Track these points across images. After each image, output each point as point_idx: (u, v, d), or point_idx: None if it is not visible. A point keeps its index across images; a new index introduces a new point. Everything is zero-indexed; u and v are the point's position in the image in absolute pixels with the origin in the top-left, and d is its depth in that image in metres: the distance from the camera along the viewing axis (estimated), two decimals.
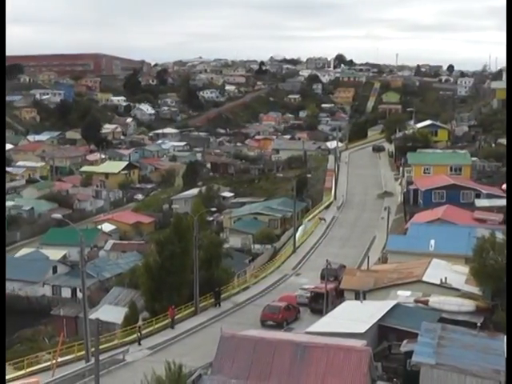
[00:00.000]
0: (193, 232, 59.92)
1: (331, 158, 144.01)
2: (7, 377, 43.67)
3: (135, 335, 52.45)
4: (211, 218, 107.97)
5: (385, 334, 43.39)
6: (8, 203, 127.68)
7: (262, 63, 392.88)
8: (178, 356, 37.07)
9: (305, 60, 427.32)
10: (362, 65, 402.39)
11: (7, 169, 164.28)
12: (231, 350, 36.11)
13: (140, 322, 55.33)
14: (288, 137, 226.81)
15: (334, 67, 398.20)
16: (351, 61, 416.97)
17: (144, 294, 62.48)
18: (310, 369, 34.00)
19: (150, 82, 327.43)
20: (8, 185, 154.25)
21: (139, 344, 51.49)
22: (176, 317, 56.76)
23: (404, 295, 50.85)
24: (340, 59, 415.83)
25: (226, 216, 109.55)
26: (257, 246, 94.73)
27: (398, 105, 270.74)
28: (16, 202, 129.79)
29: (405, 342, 40.07)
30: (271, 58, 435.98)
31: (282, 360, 34.89)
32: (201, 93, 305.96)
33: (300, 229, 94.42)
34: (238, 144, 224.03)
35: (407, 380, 37.15)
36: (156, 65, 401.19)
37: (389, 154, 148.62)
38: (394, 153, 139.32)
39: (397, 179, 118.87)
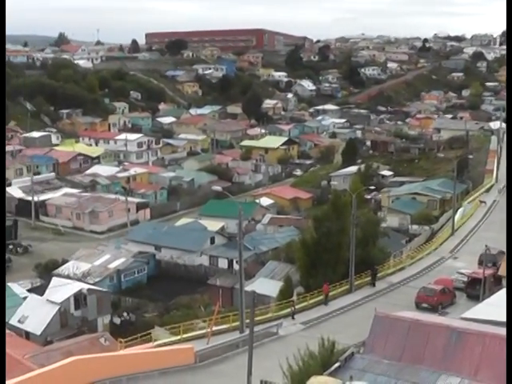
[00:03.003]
0: (350, 209, 59.53)
1: (494, 138, 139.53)
2: (164, 341, 45.05)
3: (289, 309, 52.84)
4: (369, 196, 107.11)
5: None
6: (169, 174, 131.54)
7: (425, 40, 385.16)
8: (330, 333, 37.00)
9: (469, 37, 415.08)
10: None
11: (169, 141, 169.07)
12: (384, 330, 35.65)
13: (294, 297, 55.64)
14: (450, 116, 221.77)
15: (500, 44, 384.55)
16: None
17: (299, 269, 62.76)
18: (463, 356, 33.10)
19: (312, 58, 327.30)
20: (170, 156, 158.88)
21: (293, 318, 51.84)
22: (330, 294, 56.79)
23: None
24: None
25: (384, 195, 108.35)
26: (414, 227, 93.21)
27: None
28: (177, 173, 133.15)
29: None
30: (435, 35, 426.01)
31: (436, 344, 34.11)
32: (362, 70, 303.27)
33: (459, 211, 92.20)
34: (399, 122, 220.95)
35: None
36: (318, 41, 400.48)
37: None
38: None
39: None
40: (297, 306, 53.42)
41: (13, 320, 60.72)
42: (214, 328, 46.26)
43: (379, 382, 31.51)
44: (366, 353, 35.18)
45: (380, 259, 66.93)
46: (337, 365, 32.93)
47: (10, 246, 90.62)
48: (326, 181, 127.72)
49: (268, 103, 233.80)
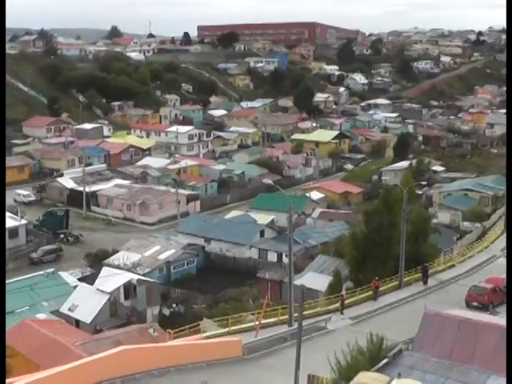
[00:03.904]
0: (401, 205, 59.07)
1: None
2: (212, 333, 45.20)
3: (338, 304, 52.66)
4: (420, 192, 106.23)
5: None
6: (220, 166, 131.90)
7: (479, 33, 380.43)
8: (379, 328, 36.82)
9: None
10: None
11: (220, 134, 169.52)
12: (434, 327, 35.37)
13: (343, 292, 55.37)
14: (503, 111, 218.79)
15: None
16: None
17: (348, 264, 62.45)
18: None
19: (364, 51, 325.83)
20: (220, 149, 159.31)
21: (341, 313, 51.66)
22: (379, 289, 56.43)
23: None
24: None
25: (435, 190, 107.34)
26: (465, 224, 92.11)
27: None
28: (228, 165, 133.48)
29: None
30: (489, 27, 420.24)
31: (486, 343, 33.72)
32: (415, 64, 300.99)
33: None
34: (451, 117, 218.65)
35: None
36: (371, 34, 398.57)
37: None
38: None
39: None
40: (346, 301, 53.19)
41: (63, 308, 61.55)
42: (263, 321, 46.28)
43: (427, 380, 31.23)
44: (414, 350, 34.97)
45: (430, 255, 66.28)
46: (385, 361, 32.76)
47: (61, 236, 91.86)
48: (377, 175, 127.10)
49: (319, 97, 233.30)
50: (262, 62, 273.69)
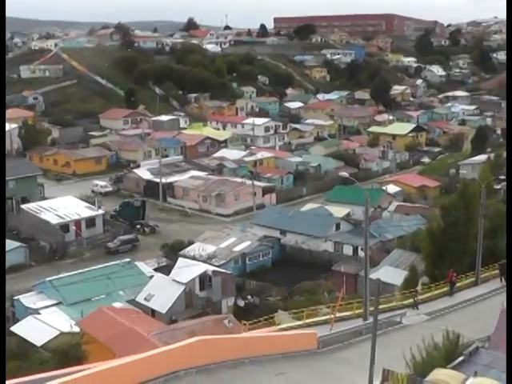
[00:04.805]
0: (479, 199, 58.08)
1: None
2: (287, 325, 45.21)
3: (413, 299, 52.11)
4: (499, 187, 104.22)
5: None
6: (296, 159, 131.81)
7: None
8: (455, 325, 36.25)
9: None
10: None
11: (297, 126, 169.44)
12: None
13: (419, 287, 54.77)
14: None
15: None
16: None
17: (425, 259, 61.73)
18: None
19: (442, 42, 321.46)
20: (297, 141, 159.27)
21: (417, 308, 51.11)
22: (456, 285, 55.60)
23: None
24: None
25: None
26: None
27: None
28: (304, 158, 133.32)
29: None
30: None
31: None
32: (494, 54, 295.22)
33: None
34: None
35: None
36: (449, 25, 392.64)
37: None
38: None
39: None
40: (421, 296, 52.61)
41: (139, 297, 62.45)
42: (338, 314, 46.10)
43: (504, 380, 30.61)
44: (491, 348, 34.32)
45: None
46: (461, 358, 32.22)
47: (138, 226, 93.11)
48: (455, 169, 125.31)
49: (396, 89, 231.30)
50: (338, 54, 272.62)
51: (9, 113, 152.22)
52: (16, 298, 62.93)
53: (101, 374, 29.46)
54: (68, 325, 54.40)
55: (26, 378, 33.04)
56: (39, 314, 58.90)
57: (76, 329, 51.07)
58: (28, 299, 62.30)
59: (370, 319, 39.96)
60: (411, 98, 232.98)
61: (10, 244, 79.66)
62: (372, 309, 39.83)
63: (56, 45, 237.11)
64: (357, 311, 48.18)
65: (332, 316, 45.61)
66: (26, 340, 53.42)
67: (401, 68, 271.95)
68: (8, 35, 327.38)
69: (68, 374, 29.72)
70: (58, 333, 52.96)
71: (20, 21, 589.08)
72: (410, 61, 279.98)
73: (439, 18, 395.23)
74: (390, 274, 65.08)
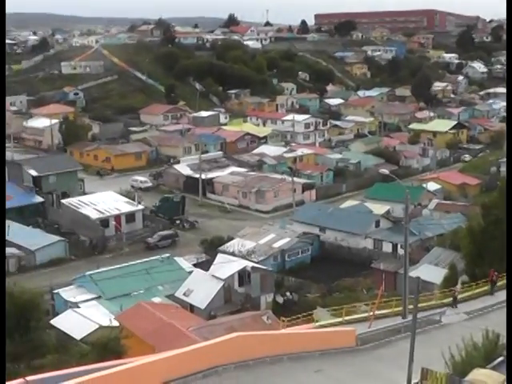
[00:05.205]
0: None
1: None
2: (326, 322, 45.15)
3: (452, 298, 51.72)
4: None
5: None
6: (336, 156, 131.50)
7: None
8: (495, 325, 35.87)
9: None
10: None
11: (337, 122, 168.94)
12: None
13: (458, 286, 54.36)
14: None
15: None
16: None
17: (465, 258, 61.22)
18: None
19: (484, 38, 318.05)
20: (337, 138, 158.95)
21: (456, 307, 50.73)
22: (497, 284, 55.04)
23: None
24: None
25: None
26: None
27: None
28: (343, 155, 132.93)
29: None
30: None
31: None
32: None
33: None
34: None
35: None
36: (491, 21, 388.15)
37: None
38: None
39: None
40: (461, 295, 52.20)
41: (178, 293, 62.75)
42: (377, 312, 45.95)
43: None
44: None
45: None
46: (500, 359, 31.98)
47: (177, 222, 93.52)
48: (496, 167, 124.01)
49: (437, 85, 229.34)
50: (379, 50, 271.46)
51: (50, 108, 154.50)
52: (56, 291, 63.59)
53: (140, 369, 29.68)
54: (107, 319, 54.82)
55: (66, 370, 33.36)
56: (79, 307, 59.49)
57: (115, 323, 51.44)
58: (68, 293, 62.94)
59: (409, 317, 39.72)
60: (452, 95, 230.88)
61: (51, 238, 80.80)
62: (411, 307, 39.60)
63: (97, 41, 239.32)
64: (396, 309, 47.97)
65: (371, 313, 45.48)
66: (65, 333, 53.99)
67: (442, 64, 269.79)
68: (49, 32, 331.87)
69: (107, 368, 29.97)
70: (97, 327, 53.47)
71: (61, 18, 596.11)
72: (451, 57, 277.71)
73: (481, 14, 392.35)
74: (430, 272, 64.72)
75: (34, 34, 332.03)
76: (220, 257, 68.60)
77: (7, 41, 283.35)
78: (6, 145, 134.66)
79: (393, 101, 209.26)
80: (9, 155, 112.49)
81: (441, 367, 31.68)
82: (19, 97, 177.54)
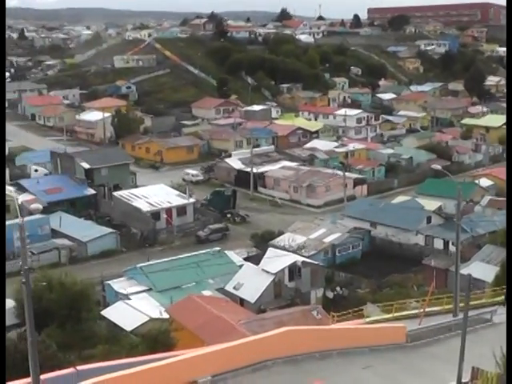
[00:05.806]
0: None
1: None
2: (376, 318, 44.97)
3: (503, 296, 51.14)
4: None
5: None
6: (387, 151, 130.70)
7: None
8: None
9: None
10: None
11: (389, 117, 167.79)
12: None
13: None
14: None
15: None
16: None
17: None
18: None
19: None
20: (389, 133, 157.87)
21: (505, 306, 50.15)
22: None
23: None
24: None
25: None
26: None
27: None
28: (395, 150, 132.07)
29: None
30: None
31: None
32: None
33: None
34: None
35: None
36: None
37: None
38: None
39: None
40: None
41: (228, 286, 63.01)
42: (427, 309, 45.65)
43: None
44: None
45: None
46: None
47: (228, 215, 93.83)
48: None
49: (491, 80, 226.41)
50: (432, 44, 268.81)
51: (102, 102, 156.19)
52: (107, 282, 64.35)
53: (190, 361, 30.02)
54: (157, 311, 55.34)
55: (116, 361, 33.78)
56: (129, 299, 60.09)
57: (165, 315, 51.88)
58: (118, 284, 63.63)
59: (460, 315, 39.38)
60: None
61: (102, 230, 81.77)
62: (462, 305, 39.25)
63: (150, 35, 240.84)
64: (446, 306, 47.55)
65: (421, 310, 45.21)
66: (115, 324, 54.58)
67: (496, 58, 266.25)
68: (102, 26, 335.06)
69: (158, 360, 30.31)
70: (147, 319, 53.95)
71: (114, 12, 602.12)
72: (505, 51, 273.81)
73: None
74: (481, 269, 64.00)
75: (88, 28, 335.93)
76: (270, 251, 68.66)
77: (61, 35, 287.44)
78: (60, 137, 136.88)
79: (445, 95, 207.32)
80: (62, 148, 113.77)
81: (491, 367, 31.37)
82: (72, 90, 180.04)
